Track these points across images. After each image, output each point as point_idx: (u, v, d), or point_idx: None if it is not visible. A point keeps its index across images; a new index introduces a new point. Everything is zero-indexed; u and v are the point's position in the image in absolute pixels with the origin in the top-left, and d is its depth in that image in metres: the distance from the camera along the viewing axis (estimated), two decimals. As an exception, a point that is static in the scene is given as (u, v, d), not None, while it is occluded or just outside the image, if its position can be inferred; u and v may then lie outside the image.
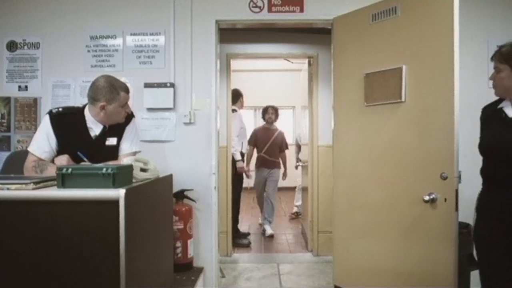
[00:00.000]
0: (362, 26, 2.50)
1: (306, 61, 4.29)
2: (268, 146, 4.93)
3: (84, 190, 1.45)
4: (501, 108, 1.81)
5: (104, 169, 1.47)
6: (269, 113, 5.01)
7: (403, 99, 2.24)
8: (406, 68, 2.23)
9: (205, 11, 2.82)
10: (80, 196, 1.43)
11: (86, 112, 2.04)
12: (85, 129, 2.03)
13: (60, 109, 2.06)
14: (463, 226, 2.11)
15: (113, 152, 2.11)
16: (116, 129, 2.11)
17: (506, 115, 1.78)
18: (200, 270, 2.75)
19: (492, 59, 1.84)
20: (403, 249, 2.26)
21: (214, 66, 2.85)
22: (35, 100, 2.89)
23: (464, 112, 2.07)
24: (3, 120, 2.89)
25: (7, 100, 2.89)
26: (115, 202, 1.39)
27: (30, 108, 2.89)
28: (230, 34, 3.62)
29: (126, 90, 2.06)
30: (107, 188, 1.45)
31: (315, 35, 3.83)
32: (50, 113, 2.03)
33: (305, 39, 3.96)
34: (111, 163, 1.92)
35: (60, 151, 2.00)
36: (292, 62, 5.63)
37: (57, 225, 1.46)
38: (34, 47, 2.89)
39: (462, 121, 2.05)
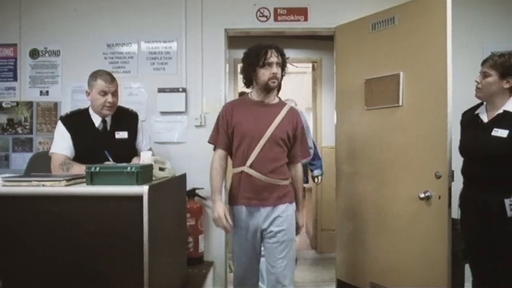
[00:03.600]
0: (363, 34, 2.66)
1: (310, 65, 4.45)
2: None
3: (111, 187, 1.62)
4: (477, 114, 1.99)
5: (129, 168, 1.64)
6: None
7: (400, 104, 2.40)
8: (404, 75, 2.39)
9: (215, 20, 2.99)
10: (107, 192, 1.60)
11: (90, 109, 2.30)
12: (91, 122, 2.27)
13: (68, 113, 2.35)
14: (457, 222, 2.26)
15: (126, 145, 2.31)
16: (123, 123, 2.33)
17: (481, 120, 1.96)
18: (210, 264, 2.92)
19: (482, 63, 2.01)
20: (401, 244, 2.42)
21: (224, 72, 3.02)
22: (56, 104, 3.08)
23: (458, 115, 2.22)
24: (25, 123, 3.08)
25: (29, 104, 3.08)
26: (139, 198, 1.56)
27: (51, 111, 3.08)
28: (237, 39, 3.78)
29: (106, 78, 2.22)
30: (131, 185, 1.62)
31: (319, 41, 3.99)
32: (61, 118, 2.29)
33: (309, 45, 4.13)
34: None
35: (76, 147, 2.21)
36: (297, 66, 5.78)
37: (86, 218, 1.62)
38: (55, 55, 3.08)
39: (455, 124, 2.20)
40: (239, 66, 4.14)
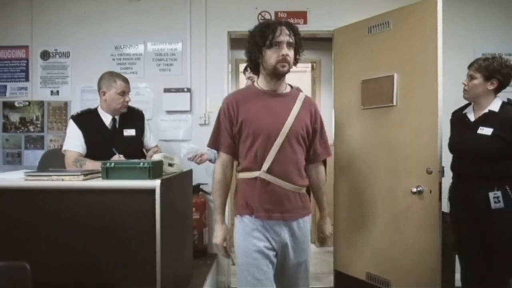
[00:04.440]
0: (359, 37, 2.79)
1: (310, 65, 4.59)
2: None
3: (125, 181, 1.76)
4: (465, 113, 2.13)
5: (141, 164, 1.78)
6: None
7: (394, 103, 2.53)
8: (397, 76, 2.52)
9: (218, 23, 3.13)
10: (122, 185, 1.75)
11: (99, 108, 2.44)
12: (100, 121, 2.41)
13: (79, 112, 2.49)
14: (447, 215, 2.40)
15: (133, 142, 2.47)
16: (131, 121, 2.48)
17: (468, 119, 2.10)
18: (214, 256, 3.07)
19: (469, 67, 2.15)
20: (395, 235, 2.55)
21: (226, 73, 3.16)
22: (66, 103, 3.22)
23: (450, 114, 2.36)
24: (37, 122, 3.22)
25: (40, 104, 3.22)
26: (151, 191, 1.70)
27: (61, 111, 3.22)
28: (239, 40, 3.92)
29: (124, 79, 2.42)
30: (144, 179, 1.76)
31: (318, 41, 4.12)
32: (72, 117, 2.43)
33: (308, 45, 4.17)
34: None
35: (88, 145, 2.35)
36: (296, 66, 5.90)
37: (102, 210, 1.77)
38: (65, 56, 3.22)
39: (446, 122, 2.34)
40: (241, 66, 4.32)
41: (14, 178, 1.87)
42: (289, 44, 1.64)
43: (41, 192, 1.77)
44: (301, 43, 1.71)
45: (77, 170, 2.07)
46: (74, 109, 3.17)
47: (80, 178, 1.78)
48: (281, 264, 1.69)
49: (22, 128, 3.23)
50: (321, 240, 1.90)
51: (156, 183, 1.69)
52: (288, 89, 1.78)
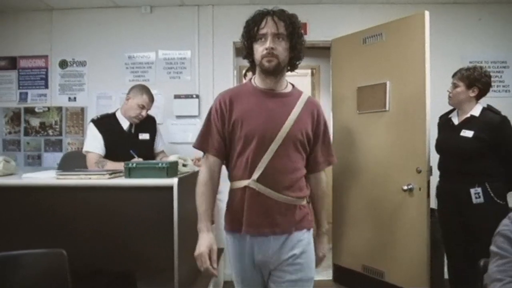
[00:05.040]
0: (355, 47, 3.02)
1: (309, 71, 4.82)
2: None
3: (145, 179, 1.99)
4: (450, 117, 2.35)
5: (160, 164, 2.01)
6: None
7: (387, 109, 2.76)
8: (390, 83, 2.75)
9: (224, 34, 3.36)
10: (144, 183, 1.97)
11: (118, 113, 2.67)
12: (119, 125, 2.63)
13: (99, 116, 2.69)
14: (435, 211, 2.62)
15: (147, 145, 2.71)
16: (146, 126, 2.71)
17: (453, 123, 2.33)
18: (221, 250, 3.27)
19: (453, 76, 2.38)
20: (388, 230, 2.78)
21: (232, 79, 3.39)
22: (82, 109, 3.46)
23: (437, 118, 2.59)
24: (56, 126, 3.46)
25: (59, 109, 3.46)
26: (170, 188, 1.92)
27: (78, 116, 3.46)
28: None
29: (150, 97, 2.65)
30: (162, 178, 1.98)
31: (317, 49, 4.34)
32: (93, 120, 2.64)
33: (308, 53, 4.42)
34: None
35: (107, 147, 2.56)
36: (297, 73, 6.14)
37: (125, 205, 1.99)
38: (82, 65, 3.46)
39: (434, 126, 2.57)
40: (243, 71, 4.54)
41: (46, 176, 2.10)
42: (277, 36, 1.41)
43: (71, 189, 2.00)
44: (298, 33, 1.46)
45: (102, 169, 2.30)
46: (90, 114, 3.41)
47: (106, 177, 2.01)
48: (276, 283, 1.50)
49: (42, 132, 3.46)
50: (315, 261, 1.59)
51: (174, 181, 1.91)
52: (289, 88, 1.55)
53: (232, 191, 1.52)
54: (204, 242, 1.44)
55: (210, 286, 2.49)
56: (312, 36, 3.34)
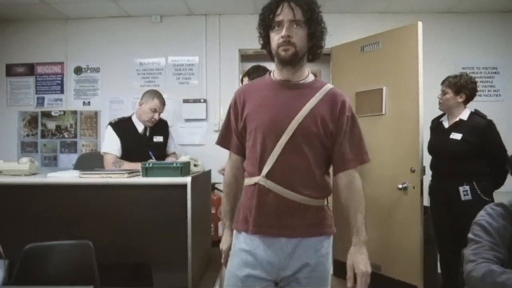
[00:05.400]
0: (354, 54, 3.21)
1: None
2: None
3: (161, 178, 2.17)
4: (441, 121, 2.54)
5: (174, 164, 2.20)
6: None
7: (383, 112, 2.95)
8: (386, 89, 2.94)
9: (230, 42, 3.57)
10: (159, 182, 2.15)
11: (133, 117, 2.86)
12: (134, 128, 2.82)
13: (116, 119, 2.87)
14: (429, 209, 2.80)
15: (161, 147, 2.90)
16: (160, 130, 2.90)
17: (443, 126, 2.51)
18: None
19: (442, 83, 2.56)
20: (384, 226, 2.95)
21: (238, 85, 3.57)
22: (96, 113, 3.66)
23: (430, 121, 2.78)
24: (71, 129, 3.66)
25: (74, 113, 3.66)
26: (183, 186, 2.09)
27: (92, 119, 3.66)
28: (248, 55, 4.36)
29: (161, 101, 2.82)
30: (176, 177, 2.17)
31: (319, 55, 4.54)
32: (110, 123, 2.82)
33: (310, 58, 4.67)
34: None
35: (123, 148, 2.74)
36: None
37: (143, 201, 2.17)
38: (95, 71, 3.66)
39: (427, 128, 2.75)
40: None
41: (70, 175, 2.30)
42: (293, 22, 1.31)
43: (93, 187, 2.19)
44: (317, 20, 1.35)
45: (121, 169, 2.49)
46: (104, 117, 3.62)
47: (125, 176, 2.20)
48: None
49: (58, 134, 3.66)
50: (350, 278, 1.36)
51: (187, 180, 2.10)
52: (310, 79, 1.42)
53: (245, 189, 1.44)
54: (226, 240, 1.51)
55: (218, 279, 2.67)
56: (313, 43, 3.53)
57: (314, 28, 1.35)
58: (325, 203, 1.44)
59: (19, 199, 2.18)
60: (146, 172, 2.22)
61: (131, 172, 2.29)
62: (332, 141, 1.39)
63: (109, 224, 2.16)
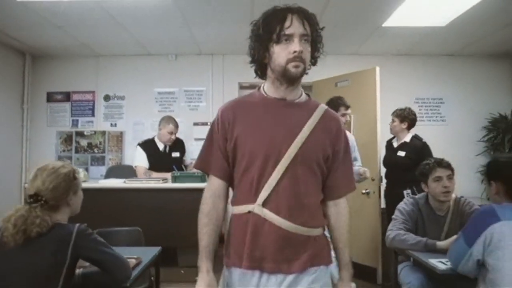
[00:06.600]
0: (330, 88, 4.07)
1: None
2: None
3: (186, 184, 2.97)
4: (392, 142, 3.41)
5: (196, 173, 3.01)
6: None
7: (352, 134, 3.80)
8: (354, 116, 3.80)
9: (232, 76, 4.43)
10: (185, 186, 2.96)
11: (155, 138, 3.64)
12: (157, 146, 3.61)
13: (143, 141, 3.67)
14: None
15: (178, 161, 3.68)
16: (177, 147, 3.69)
17: (393, 146, 3.38)
18: None
19: (392, 114, 3.44)
20: (353, 222, 3.72)
21: (237, 111, 4.43)
22: (121, 133, 4.46)
23: (385, 142, 3.65)
24: (100, 146, 4.44)
25: (103, 133, 4.46)
26: (203, 190, 2.90)
27: (118, 138, 4.45)
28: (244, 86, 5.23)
29: (175, 125, 3.61)
30: (198, 183, 2.97)
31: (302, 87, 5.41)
32: (139, 144, 3.62)
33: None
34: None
35: (149, 162, 3.53)
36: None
37: (173, 201, 2.97)
38: (121, 99, 4.48)
39: (383, 147, 3.62)
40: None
41: (117, 181, 3.09)
42: (303, 37, 1.21)
43: (135, 190, 2.99)
44: (320, 36, 1.28)
45: (152, 177, 3.29)
46: (128, 137, 4.41)
47: (160, 182, 3.01)
48: None
49: (89, 150, 4.44)
50: None
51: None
52: (304, 98, 1.33)
53: (234, 218, 1.29)
54: (203, 284, 1.22)
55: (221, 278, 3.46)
56: (298, 78, 4.41)
57: (317, 44, 1.28)
58: (323, 231, 1.32)
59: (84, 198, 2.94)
60: (175, 179, 3.03)
61: (163, 179, 3.10)
62: (327, 166, 1.29)
63: (146, 217, 2.94)
